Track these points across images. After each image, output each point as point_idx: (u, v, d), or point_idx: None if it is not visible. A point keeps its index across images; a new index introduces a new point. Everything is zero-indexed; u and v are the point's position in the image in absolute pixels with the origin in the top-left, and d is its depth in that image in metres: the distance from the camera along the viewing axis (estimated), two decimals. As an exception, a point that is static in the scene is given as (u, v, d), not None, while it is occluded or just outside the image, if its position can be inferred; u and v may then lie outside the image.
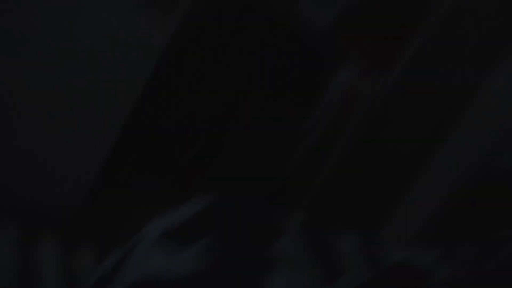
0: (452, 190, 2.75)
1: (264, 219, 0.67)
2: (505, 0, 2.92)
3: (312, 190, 3.24)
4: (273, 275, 0.58)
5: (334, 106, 3.11)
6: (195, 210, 0.69)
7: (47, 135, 1.82)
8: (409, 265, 0.77)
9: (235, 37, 2.43)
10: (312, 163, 3.21)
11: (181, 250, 0.60)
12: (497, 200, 2.84)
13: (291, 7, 2.47)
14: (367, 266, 0.66)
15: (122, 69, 1.85)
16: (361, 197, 3.10)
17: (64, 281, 0.72)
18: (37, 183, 1.82)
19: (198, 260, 0.58)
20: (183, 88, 2.33)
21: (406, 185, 2.87)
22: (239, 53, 2.47)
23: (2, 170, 1.77)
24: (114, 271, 0.63)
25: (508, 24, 2.87)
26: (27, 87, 1.72)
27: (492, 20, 2.91)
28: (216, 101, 2.41)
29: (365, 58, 3.07)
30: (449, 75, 2.93)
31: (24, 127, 1.76)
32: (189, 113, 2.46)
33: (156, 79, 2.11)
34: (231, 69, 2.47)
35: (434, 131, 2.92)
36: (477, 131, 2.81)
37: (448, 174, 2.79)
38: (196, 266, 0.57)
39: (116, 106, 1.90)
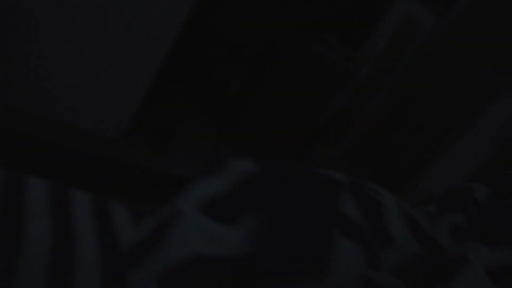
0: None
1: (315, 191, 0.59)
2: None
3: (352, 131, 3.14)
4: (337, 250, 0.53)
5: (391, 34, 2.88)
6: (232, 182, 0.63)
7: (97, 59, 1.80)
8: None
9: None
10: (359, 99, 3.08)
11: (228, 228, 0.55)
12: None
13: None
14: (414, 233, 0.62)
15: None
16: (395, 150, 2.97)
17: (97, 234, 0.68)
18: (80, 107, 1.85)
19: (247, 240, 0.54)
20: (236, 14, 2.21)
21: (441, 147, 2.68)
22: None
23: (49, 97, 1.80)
24: (153, 241, 0.60)
25: None
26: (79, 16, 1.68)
27: None
28: (269, 27, 2.27)
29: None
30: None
31: (75, 51, 1.75)
32: (240, 40, 2.35)
33: (204, 4, 1.98)
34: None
35: (490, 79, 2.66)
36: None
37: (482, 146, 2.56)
38: (246, 247, 0.53)
39: (161, 34, 1.83)
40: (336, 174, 0.66)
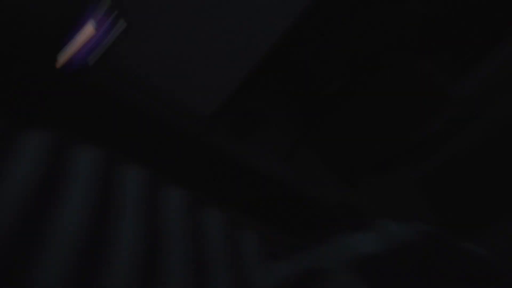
0: None
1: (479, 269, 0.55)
2: None
3: (439, 157, 2.93)
4: None
5: (502, 64, 2.64)
6: (389, 244, 0.59)
7: (208, 37, 1.77)
8: None
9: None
10: (448, 130, 2.86)
11: None
12: None
13: None
14: None
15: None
16: (481, 188, 2.72)
17: (189, 235, 0.63)
18: (181, 77, 1.83)
19: None
20: (336, 24, 2.09)
21: None
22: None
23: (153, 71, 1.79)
24: None
25: None
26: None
27: None
28: (369, 42, 2.14)
29: None
30: None
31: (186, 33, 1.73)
32: (338, 50, 2.24)
33: (311, 11, 1.89)
34: (404, 7, 2.14)
35: None
36: None
37: None
38: None
39: (272, 26, 1.75)
40: (491, 257, 0.62)
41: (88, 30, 1.37)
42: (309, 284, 0.56)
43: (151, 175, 0.71)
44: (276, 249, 0.70)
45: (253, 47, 1.79)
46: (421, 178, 2.96)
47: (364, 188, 2.52)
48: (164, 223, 0.63)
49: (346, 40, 2.21)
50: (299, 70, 2.28)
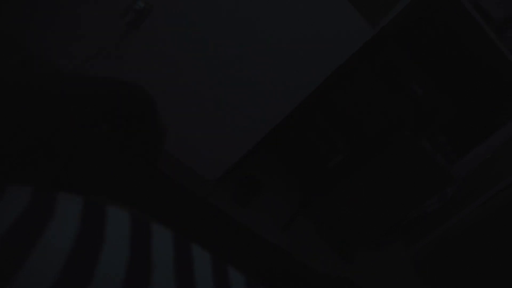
0: None
1: None
2: None
3: (431, 236, 2.93)
4: None
5: (498, 150, 2.72)
6: None
7: (215, 109, 1.81)
8: None
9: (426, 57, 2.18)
10: (446, 208, 2.89)
11: None
12: None
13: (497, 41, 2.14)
14: None
15: (305, 65, 1.74)
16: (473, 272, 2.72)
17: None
18: (190, 142, 1.85)
19: None
20: (351, 96, 2.17)
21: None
22: (425, 72, 2.22)
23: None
24: None
25: None
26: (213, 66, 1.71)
27: None
28: (383, 113, 2.21)
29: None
30: None
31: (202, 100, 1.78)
32: (340, 128, 2.30)
33: (330, 82, 1.97)
34: (410, 87, 2.24)
35: None
36: None
37: None
38: None
39: (287, 97, 1.82)
40: None
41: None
42: None
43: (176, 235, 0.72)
44: None
45: (261, 122, 1.84)
46: (416, 256, 2.94)
47: (359, 263, 2.49)
48: (194, 279, 0.63)
49: (348, 119, 2.27)
50: (303, 144, 2.33)
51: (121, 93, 0.79)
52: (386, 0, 1.66)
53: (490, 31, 2.08)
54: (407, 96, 2.30)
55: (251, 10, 1.65)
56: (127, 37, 1.58)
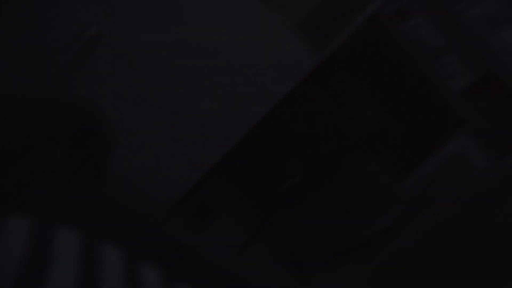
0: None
1: None
2: None
3: (384, 253, 3.03)
4: None
5: (439, 170, 2.89)
6: None
7: (164, 139, 1.82)
8: None
9: (369, 81, 2.32)
10: (396, 226, 3.00)
11: None
12: None
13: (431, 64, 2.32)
14: None
15: (256, 90, 1.80)
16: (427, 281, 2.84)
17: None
18: (143, 169, 1.83)
19: None
20: (300, 119, 2.25)
21: None
22: (368, 99, 2.36)
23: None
24: None
25: None
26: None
27: None
28: (329, 139, 2.31)
29: (488, 133, 2.83)
30: None
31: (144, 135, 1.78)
32: (294, 150, 2.37)
33: (280, 108, 2.03)
34: (354, 113, 2.36)
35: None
36: None
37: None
38: None
39: (237, 125, 1.86)
40: None
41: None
42: None
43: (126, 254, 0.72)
44: None
45: (214, 147, 1.86)
46: (372, 274, 3.02)
47: (315, 284, 2.52)
48: None
49: (301, 142, 2.35)
50: (257, 167, 2.37)
51: (71, 109, 0.79)
52: (333, 28, 1.77)
53: (426, 59, 2.25)
54: (355, 120, 2.41)
55: (202, 42, 1.70)
56: (77, 63, 1.58)
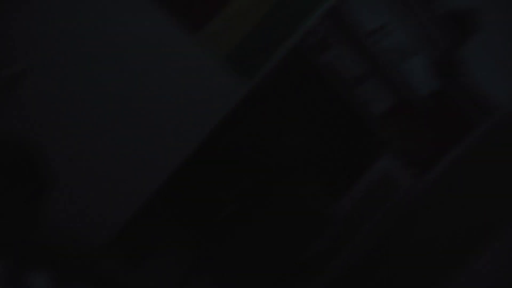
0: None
1: None
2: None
3: (326, 275, 3.11)
4: None
5: (368, 190, 3.07)
6: None
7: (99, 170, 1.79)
8: None
9: (295, 110, 2.45)
10: (334, 247, 3.11)
11: None
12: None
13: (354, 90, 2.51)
14: None
15: (184, 123, 1.84)
16: None
17: None
18: (74, 209, 1.77)
19: None
20: (231, 149, 2.32)
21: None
22: (296, 126, 2.48)
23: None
24: None
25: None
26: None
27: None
28: (260, 168, 2.38)
29: (408, 153, 3.07)
30: (492, 191, 2.90)
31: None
32: (229, 176, 2.42)
33: (210, 140, 2.09)
34: (283, 140, 2.47)
35: (465, 243, 2.83)
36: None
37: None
38: None
39: (167, 156, 1.87)
40: None
41: None
42: None
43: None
44: None
45: (147, 180, 1.86)
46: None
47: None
48: None
49: (233, 171, 2.40)
50: (192, 199, 2.38)
51: (3, 147, 0.77)
52: (259, 59, 1.88)
53: (348, 86, 2.44)
54: (286, 146, 2.53)
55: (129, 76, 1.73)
56: (4, 96, 1.53)
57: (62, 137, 1.71)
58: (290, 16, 1.87)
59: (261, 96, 2.31)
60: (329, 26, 2.42)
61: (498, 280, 2.66)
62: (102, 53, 1.68)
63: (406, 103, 2.76)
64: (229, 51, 1.79)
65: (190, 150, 1.91)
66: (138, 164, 1.86)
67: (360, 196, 3.06)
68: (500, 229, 2.70)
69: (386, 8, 2.54)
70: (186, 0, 1.69)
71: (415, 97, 2.65)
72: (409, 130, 2.96)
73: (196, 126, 1.85)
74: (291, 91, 2.44)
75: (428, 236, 2.93)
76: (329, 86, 2.45)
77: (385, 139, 2.73)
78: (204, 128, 1.86)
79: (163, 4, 1.63)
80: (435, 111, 2.92)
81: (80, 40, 1.65)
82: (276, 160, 2.51)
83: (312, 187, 2.59)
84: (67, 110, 1.70)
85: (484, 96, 3.06)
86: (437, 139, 3.07)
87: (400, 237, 3.06)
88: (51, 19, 1.61)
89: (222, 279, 2.48)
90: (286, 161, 2.53)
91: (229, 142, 2.34)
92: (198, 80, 1.77)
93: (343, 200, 2.99)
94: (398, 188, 3.18)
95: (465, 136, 3.12)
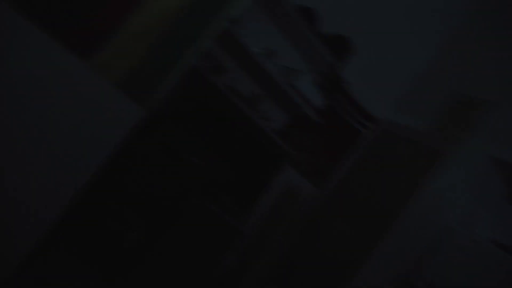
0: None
1: None
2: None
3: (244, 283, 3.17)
4: None
5: (275, 201, 3.21)
6: None
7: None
8: None
9: (199, 129, 2.50)
10: (247, 258, 3.19)
11: None
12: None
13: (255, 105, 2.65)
14: None
15: (82, 147, 1.80)
16: None
17: None
18: None
19: None
20: (139, 170, 2.29)
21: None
22: (201, 144, 2.53)
23: None
24: None
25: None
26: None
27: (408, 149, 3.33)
28: (169, 186, 2.39)
29: (307, 164, 3.28)
30: (379, 194, 3.21)
31: None
32: (130, 204, 2.39)
33: (114, 159, 2.06)
34: (190, 157, 2.50)
35: (363, 243, 3.09)
36: (404, 244, 3.04)
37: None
38: None
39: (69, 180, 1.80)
40: None
41: None
42: None
43: None
44: None
45: (38, 217, 1.77)
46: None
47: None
48: None
49: (137, 196, 2.38)
50: (95, 230, 2.30)
51: None
52: (152, 84, 1.90)
53: (244, 106, 2.56)
54: (190, 168, 2.56)
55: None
56: None
57: None
58: (183, 40, 1.92)
59: (160, 120, 2.32)
60: (222, 49, 2.53)
61: (385, 277, 2.94)
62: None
63: (300, 118, 2.97)
64: (123, 77, 1.79)
65: (88, 179, 1.86)
66: (36, 197, 1.76)
67: (267, 208, 3.19)
68: (385, 231, 3.01)
69: (274, 30, 2.74)
70: (78, 27, 1.67)
71: (307, 113, 2.86)
72: (305, 143, 3.18)
73: (92, 155, 1.81)
74: (192, 113, 2.49)
75: (329, 243, 3.14)
76: (230, 106, 2.55)
77: (286, 153, 2.90)
78: (101, 156, 1.82)
79: (55, 33, 1.59)
80: (325, 124, 3.17)
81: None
82: (181, 181, 2.53)
83: (222, 204, 2.65)
84: None
85: (365, 109, 3.41)
86: (330, 149, 3.33)
87: (306, 245, 3.24)
88: None
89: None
90: (191, 181, 2.56)
91: (130, 168, 2.31)
92: (91, 107, 1.74)
93: (252, 213, 3.09)
94: (302, 199, 3.38)
95: (353, 145, 3.43)
